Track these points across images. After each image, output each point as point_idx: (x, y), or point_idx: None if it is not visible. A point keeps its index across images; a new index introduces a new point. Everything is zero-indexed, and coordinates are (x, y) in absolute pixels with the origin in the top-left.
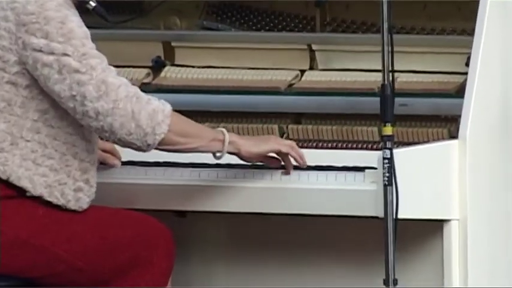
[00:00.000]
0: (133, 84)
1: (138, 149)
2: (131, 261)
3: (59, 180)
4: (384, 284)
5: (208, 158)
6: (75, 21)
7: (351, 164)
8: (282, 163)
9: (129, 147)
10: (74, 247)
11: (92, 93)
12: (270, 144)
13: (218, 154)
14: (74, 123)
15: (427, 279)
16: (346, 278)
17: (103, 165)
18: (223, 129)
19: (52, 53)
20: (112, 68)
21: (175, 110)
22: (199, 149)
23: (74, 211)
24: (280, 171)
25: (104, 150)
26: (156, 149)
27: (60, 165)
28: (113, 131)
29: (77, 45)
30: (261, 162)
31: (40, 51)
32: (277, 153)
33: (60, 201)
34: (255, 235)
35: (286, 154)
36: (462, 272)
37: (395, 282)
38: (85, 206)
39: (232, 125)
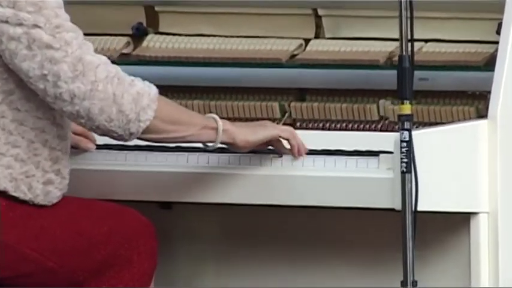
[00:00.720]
0: (112, 62)
1: (119, 138)
2: (108, 260)
3: (26, 172)
4: (402, 286)
5: None
6: None
7: (363, 148)
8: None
9: (108, 135)
10: (42, 245)
11: (66, 73)
12: (269, 129)
13: (210, 144)
14: (43, 106)
15: (451, 280)
16: (357, 279)
17: (75, 149)
18: (215, 116)
19: (20, 25)
20: (89, 43)
21: (159, 86)
22: (188, 138)
23: (42, 206)
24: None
25: (76, 133)
26: (139, 138)
27: (28, 155)
28: (90, 116)
29: (50, 15)
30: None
31: (6, 22)
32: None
33: (27, 196)
34: (251, 230)
35: (287, 140)
36: (492, 272)
37: (414, 284)
38: (55, 200)
39: (225, 102)
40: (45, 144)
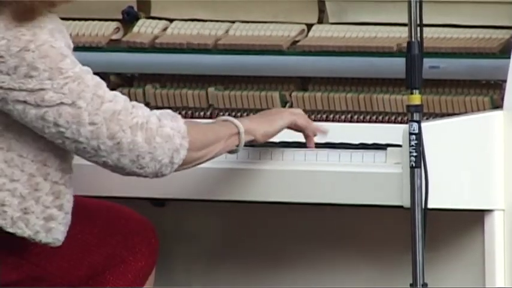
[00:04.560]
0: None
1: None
2: (102, 263)
3: (25, 208)
4: None
5: None
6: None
7: (369, 141)
8: None
9: None
10: (28, 250)
11: (86, 128)
12: (285, 117)
13: (235, 148)
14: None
15: (463, 283)
16: (363, 281)
17: None
18: (231, 118)
19: (25, 90)
20: (101, 83)
21: (151, 75)
22: (217, 155)
23: (46, 244)
24: (283, 149)
25: None
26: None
27: (28, 190)
28: (120, 166)
29: (54, 74)
30: None
31: (9, 89)
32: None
33: (26, 233)
34: (249, 228)
35: (303, 129)
36: (508, 274)
37: (424, 286)
38: (61, 236)
39: (222, 92)
40: (46, 178)
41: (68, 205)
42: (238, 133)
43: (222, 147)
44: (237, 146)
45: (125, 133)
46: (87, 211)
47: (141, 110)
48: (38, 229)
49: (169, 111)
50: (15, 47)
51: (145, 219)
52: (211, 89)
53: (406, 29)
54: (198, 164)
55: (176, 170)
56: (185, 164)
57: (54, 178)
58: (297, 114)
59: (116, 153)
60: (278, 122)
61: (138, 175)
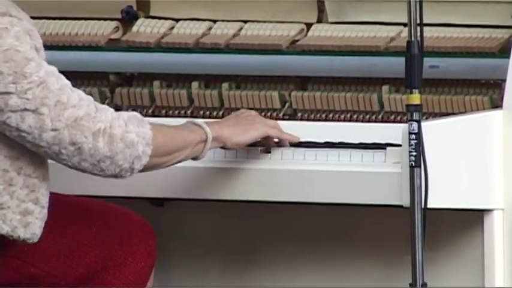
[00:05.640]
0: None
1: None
2: (99, 263)
3: (1, 204)
4: None
5: None
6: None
7: (368, 140)
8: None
9: None
10: (23, 250)
11: (48, 134)
12: (259, 128)
13: (200, 156)
14: None
15: (463, 283)
16: (362, 281)
17: None
18: (203, 124)
19: None
20: (64, 82)
21: (150, 74)
22: (182, 160)
23: (24, 240)
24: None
25: None
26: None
27: (3, 186)
28: (80, 169)
29: (18, 78)
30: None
31: None
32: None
33: (4, 230)
34: (248, 228)
35: (276, 137)
36: (508, 273)
37: (424, 286)
38: (38, 231)
39: (221, 91)
40: (19, 172)
41: (44, 199)
42: (206, 141)
43: (188, 153)
44: (202, 152)
45: (87, 139)
46: (85, 211)
47: (104, 114)
48: (15, 224)
49: (137, 114)
50: None
51: (144, 221)
52: (210, 90)
53: (405, 28)
54: (162, 167)
55: (138, 172)
56: (146, 169)
57: (27, 171)
58: (270, 127)
59: (76, 157)
60: (251, 133)
61: (98, 176)
